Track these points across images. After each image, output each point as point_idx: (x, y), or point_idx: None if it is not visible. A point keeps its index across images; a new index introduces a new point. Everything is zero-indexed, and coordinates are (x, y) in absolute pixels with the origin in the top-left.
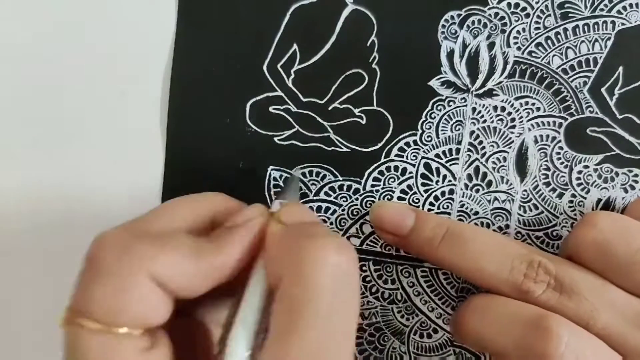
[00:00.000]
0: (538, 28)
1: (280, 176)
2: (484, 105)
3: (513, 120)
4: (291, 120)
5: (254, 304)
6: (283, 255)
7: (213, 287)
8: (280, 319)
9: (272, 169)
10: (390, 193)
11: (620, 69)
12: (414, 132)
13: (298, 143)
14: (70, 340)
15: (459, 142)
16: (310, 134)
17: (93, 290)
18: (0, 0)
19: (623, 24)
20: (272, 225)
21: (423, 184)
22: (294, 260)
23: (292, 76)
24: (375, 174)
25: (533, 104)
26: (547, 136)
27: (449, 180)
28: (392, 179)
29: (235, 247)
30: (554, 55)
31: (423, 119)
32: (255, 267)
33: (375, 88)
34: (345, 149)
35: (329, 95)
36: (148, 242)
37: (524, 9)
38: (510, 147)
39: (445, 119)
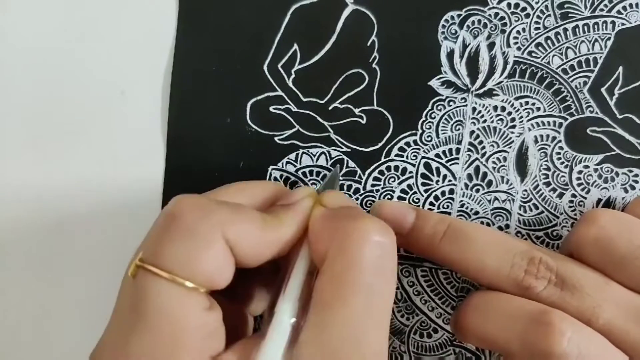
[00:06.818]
0: (538, 28)
1: (281, 176)
2: (484, 105)
3: (513, 120)
4: (291, 120)
5: (299, 278)
6: (328, 234)
7: (268, 259)
8: (325, 291)
9: (272, 169)
10: (391, 193)
11: (620, 69)
12: (414, 131)
13: (298, 143)
14: (139, 288)
15: (459, 142)
16: (310, 134)
17: (171, 244)
18: (0, 1)
19: (623, 24)
20: (317, 207)
21: (423, 184)
22: (339, 238)
23: (293, 76)
24: (375, 173)
25: (533, 104)
26: (547, 136)
27: (449, 180)
28: (392, 179)
29: (293, 224)
30: (554, 55)
31: (423, 118)
32: (301, 246)
33: (376, 88)
34: (345, 149)
35: (329, 95)
36: (226, 208)
37: (523, 9)
38: (510, 147)
39: (446, 119)
